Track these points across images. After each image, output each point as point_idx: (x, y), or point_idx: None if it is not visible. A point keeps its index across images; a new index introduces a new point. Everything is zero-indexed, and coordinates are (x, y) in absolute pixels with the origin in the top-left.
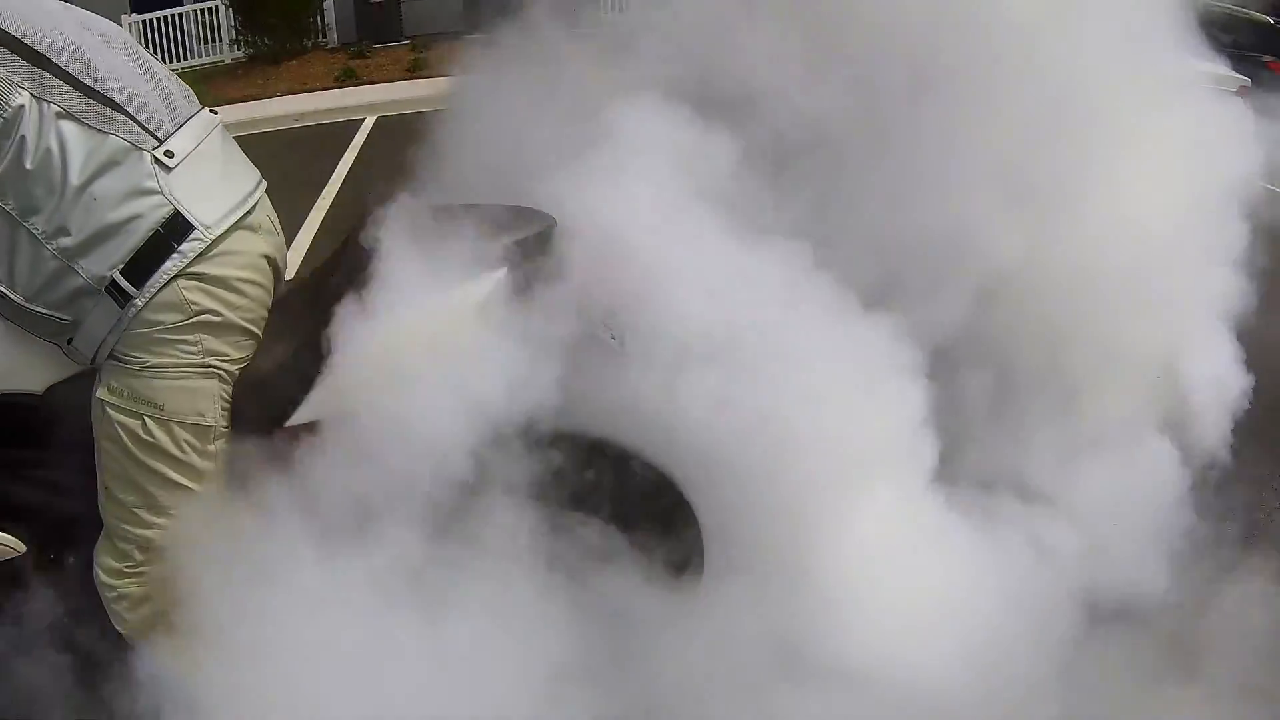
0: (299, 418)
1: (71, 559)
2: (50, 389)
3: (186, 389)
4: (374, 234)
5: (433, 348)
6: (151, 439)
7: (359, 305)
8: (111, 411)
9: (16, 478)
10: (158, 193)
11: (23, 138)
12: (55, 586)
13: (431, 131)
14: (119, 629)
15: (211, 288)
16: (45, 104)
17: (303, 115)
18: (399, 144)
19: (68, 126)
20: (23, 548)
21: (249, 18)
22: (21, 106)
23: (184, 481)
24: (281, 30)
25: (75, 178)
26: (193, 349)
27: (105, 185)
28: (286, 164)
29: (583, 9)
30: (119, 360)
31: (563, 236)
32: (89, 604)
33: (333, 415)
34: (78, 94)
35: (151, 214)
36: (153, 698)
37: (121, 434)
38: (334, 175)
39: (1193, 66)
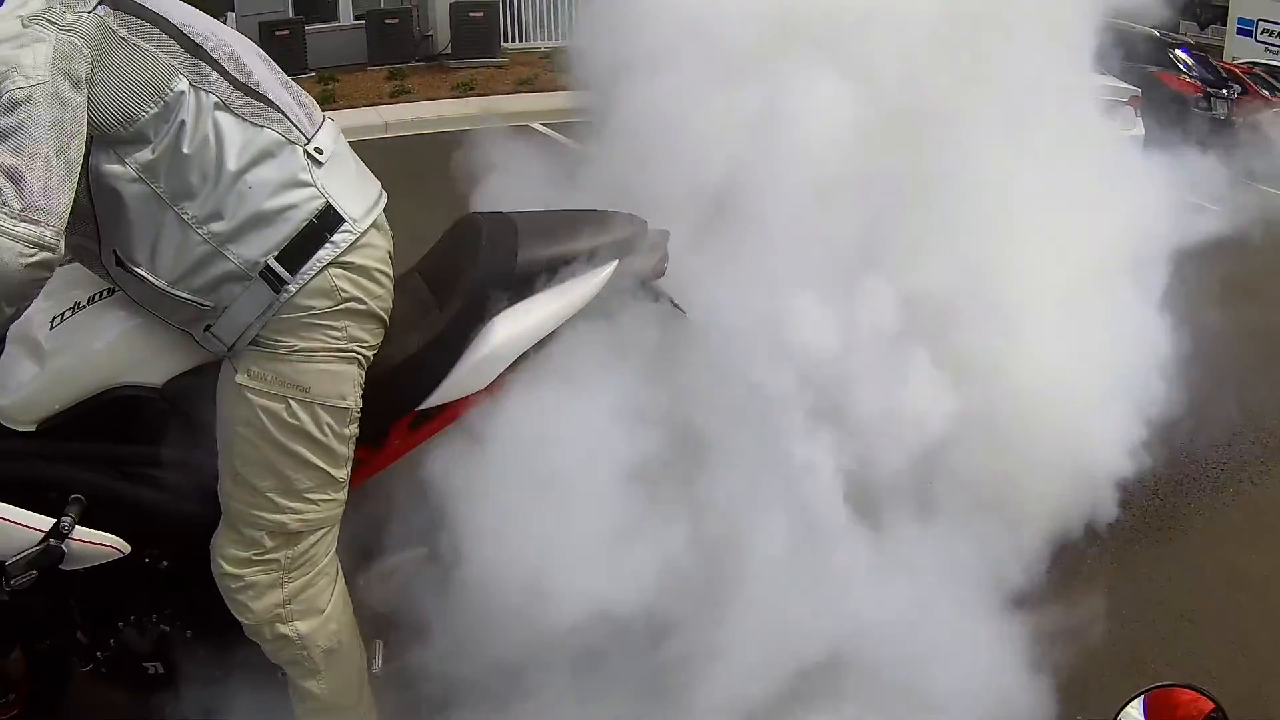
0: (436, 400)
1: (176, 558)
2: (168, 382)
3: (330, 373)
4: (504, 237)
5: (559, 332)
6: (296, 422)
7: (497, 299)
8: (252, 396)
9: (124, 475)
10: (311, 185)
11: (182, 122)
12: (160, 585)
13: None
14: (243, 620)
15: (356, 277)
16: (203, 93)
17: None
18: None
19: (223, 117)
20: (127, 548)
21: None
22: (182, 92)
23: (322, 464)
24: None
25: (231, 165)
26: (338, 334)
27: (260, 175)
28: None
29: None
30: (262, 345)
31: (650, 236)
32: (198, 600)
33: (465, 395)
34: (232, 88)
35: (306, 205)
36: (265, 689)
37: (263, 418)
38: None
39: (1093, 79)
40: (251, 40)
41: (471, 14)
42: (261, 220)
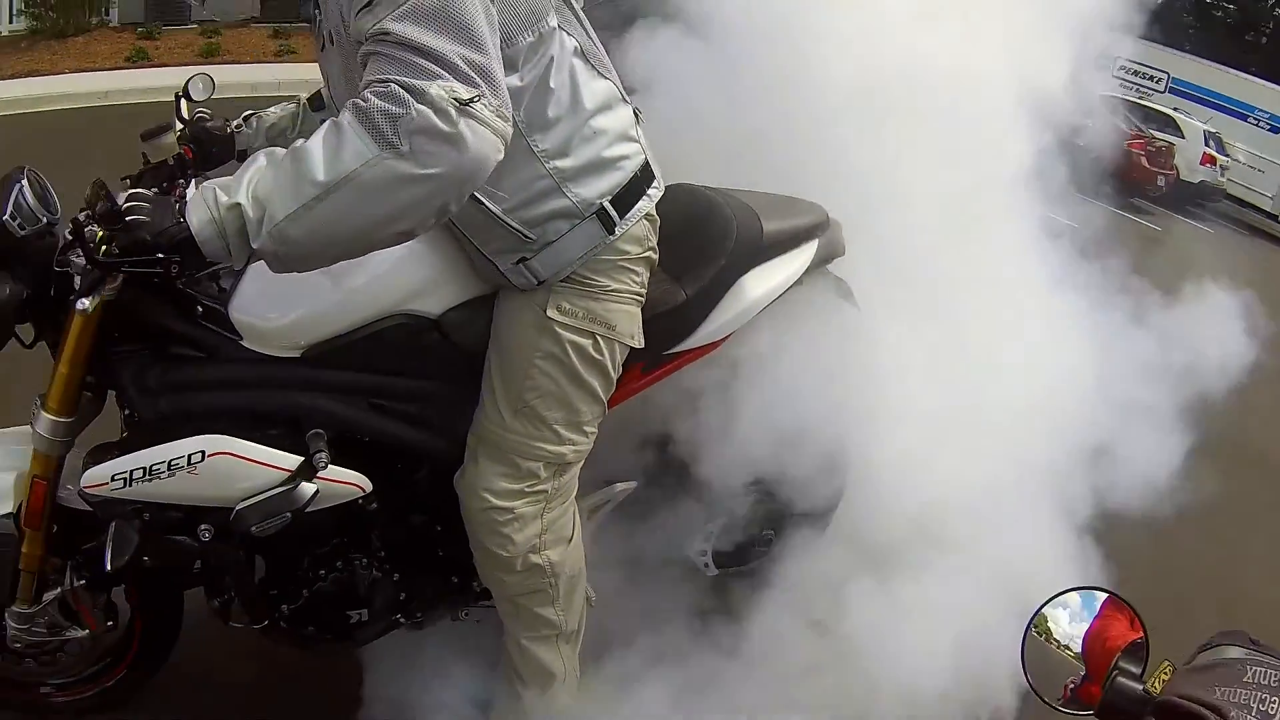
0: (686, 345)
1: (416, 493)
2: (446, 312)
3: (629, 313)
4: (749, 212)
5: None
6: (599, 357)
7: (746, 263)
8: (561, 330)
9: (373, 408)
10: (637, 141)
11: (551, 57)
12: (375, 525)
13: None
14: (501, 552)
15: (653, 230)
16: (566, 35)
17: (108, 94)
18: None
19: (578, 62)
20: (369, 486)
21: None
22: (554, 29)
23: (604, 398)
24: (70, 4)
25: (585, 107)
26: (638, 279)
27: (604, 122)
28: (124, 141)
29: None
30: (576, 283)
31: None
32: (410, 539)
33: (718, 339)
34: (585, 34)
35: (634, 158)
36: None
37: (570, 351)
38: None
39: None
40: None
41: None
42: (602, 165)
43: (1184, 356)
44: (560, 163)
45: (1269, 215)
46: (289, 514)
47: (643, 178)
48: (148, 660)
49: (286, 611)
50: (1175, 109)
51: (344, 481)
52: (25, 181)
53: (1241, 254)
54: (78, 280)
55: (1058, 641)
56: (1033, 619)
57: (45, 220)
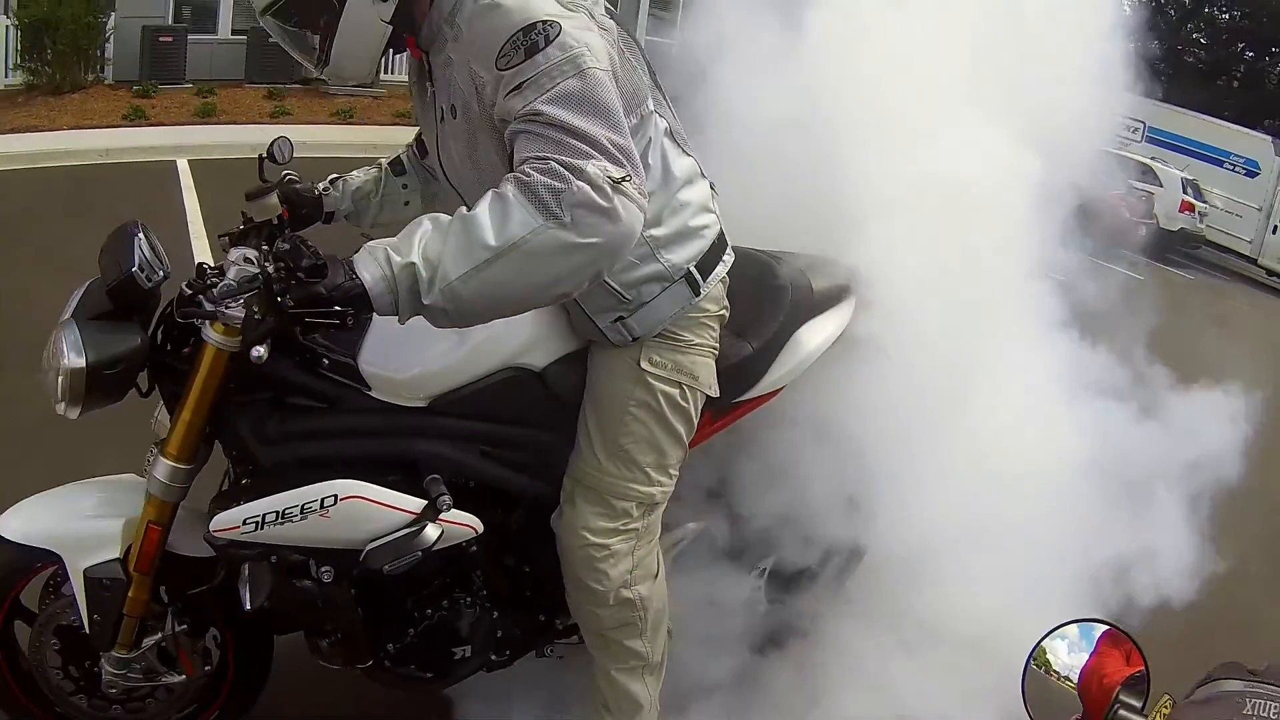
0: (752, 393)
1: (522, 528)
2: (548, 365)
3: (708, 366)
4: (799, 272)
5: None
6: (685, 405)
7: (800, 319)
8: (653, 381)
9: (483, 454)
10: (713, 212)
11: (649, 138)
12: (498, 562)
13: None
14: (597, 586)
15: (725, 291)
16: (659, 117)
17: (107, 152)
18: (238, 186)
19: (667, 142)
20: (481, 528)
21: (36, 42)
22: (652, 112)
23: (686, 443)
24: (68, 60)
25: (673, 182)
26: (714, 334)
27: (689, 195)
28: (123, 199)
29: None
30: (667, 338)
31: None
32: (507, 578)
33: (777, 389)
34: (673, 115)
35: (713, 227)
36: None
37: (660, 400)
38: (188, 214)
39: None
40: (133, 43)
41: None
42: (688, 233)
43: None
44: (654, 231)
45: (1247, 259)
46: (419, 553)
47: (719, 244)
48: (238, 704)
49: (392, 650)
50: (1153, 158)
51: (461, 524)
52: (142, 234)
53: (1218, 298)
54: (205, 328)
55: (1057, 674)
56: (1032, 652)
57: (162, 273)
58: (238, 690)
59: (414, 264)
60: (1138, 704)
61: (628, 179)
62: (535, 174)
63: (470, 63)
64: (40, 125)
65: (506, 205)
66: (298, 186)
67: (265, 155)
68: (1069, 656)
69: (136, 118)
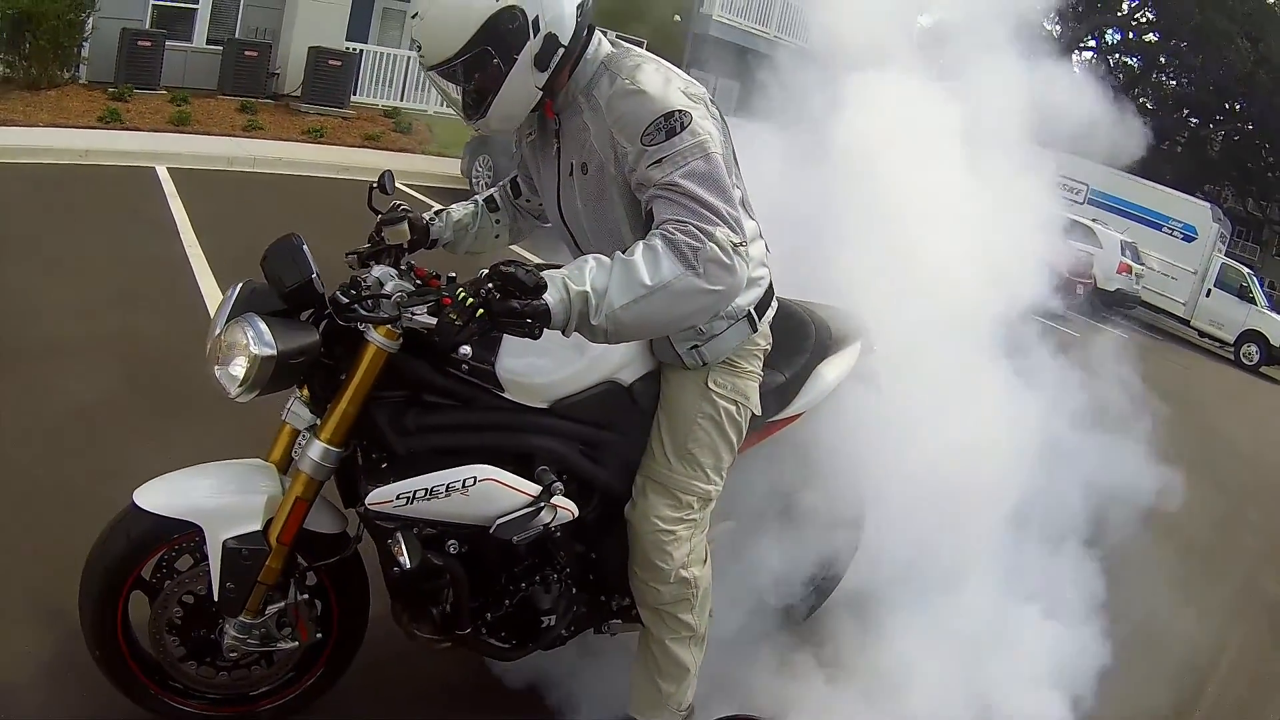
0: (783, 414)
1: (593, 518)
2: (635, 381)
3: (756, 389)
4: (819, 318)
5: (843, 378)
6: (740, 419)
7: (822, 355)
8: (717, 398)
9: (583, 454)
10: (767, 266)
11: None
12: (586, 540)
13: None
14: (663, 565)
15: (769, 330)
16: (737, 188)
17: (86, 153)
18: (220, 197)
19: (741, 208)
20: (577, 511)
21: (15, 38)
22: (733, 183)
23: (737, 449)
24: (46, 56)
25: (746, 239)
26: (760, 362)
27: (752, 251)
28: (111, 202)
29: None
30: (730, 365)
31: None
32: (588, 559)
33: (800, 413)
34: (744, 186)
35: (766, 278)
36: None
37: (721, 414)
38: (178, 223)
39: None
40: (110, 45)
41: (330, 61)
42: (751, 282)
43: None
44: None
45: (1180, 320)
46: (541, 528)
47: (770, 291)
48: (334, 670)
49: (489, 619)
50: (1094, 219)
51: (565, 508)
52: (305, 246)
53: (1148, 354)
54: (369, 331)
55: None
56: None
57: (318, 278)
58: (335, 657)
59: (587, 291)
60: None
61: (742, 244)
62: (678, 233)
63: (613, 133)
64: (17, 120)
65: (656, 255)
66: (411, 216)
67: (376, 185)
68: None
69: (112, 120)
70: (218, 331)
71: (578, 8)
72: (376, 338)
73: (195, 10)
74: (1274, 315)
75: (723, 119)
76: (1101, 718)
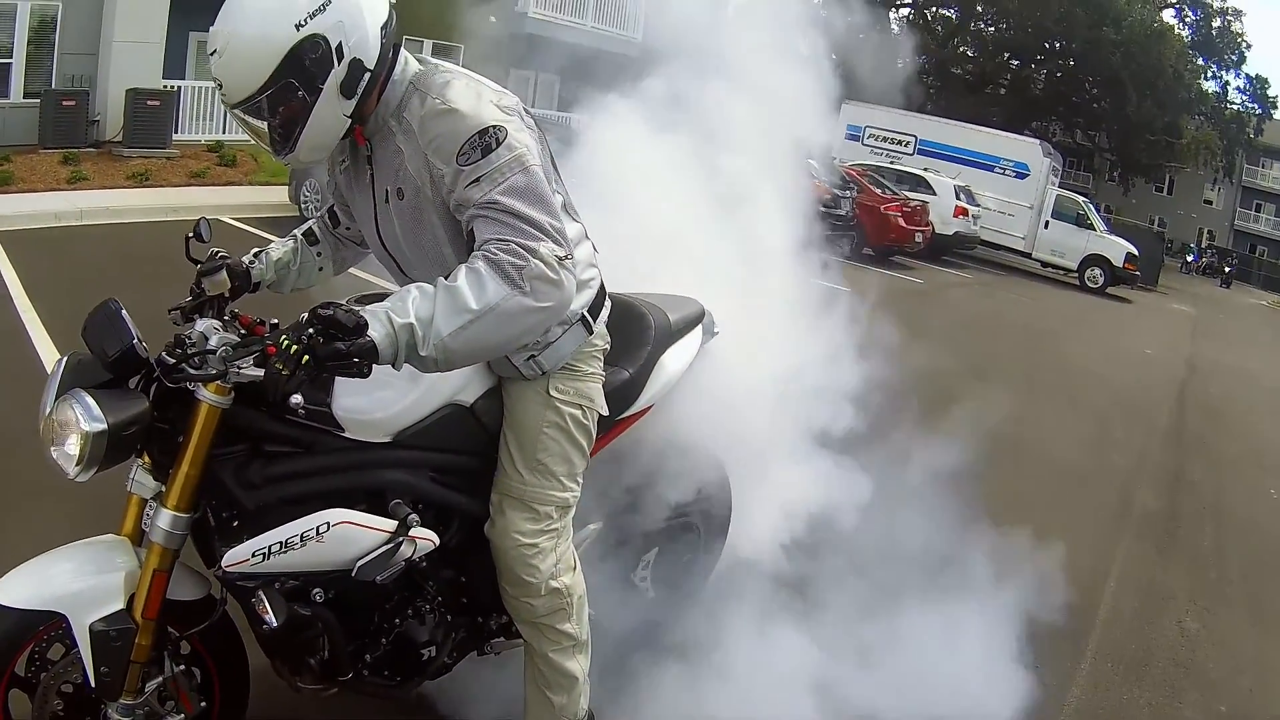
0: (632, 409)
1: (456, 543)
2: (476, 400)
3: (599, 390)
4: (659, 310)
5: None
6: (586, 423)
7: (663, 347)
8: (561, 405)
9: (435, 481)
10: (596, 266)
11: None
12: (453, 564)
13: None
14: (530, 579)
15: (607, 329)
16: (557, 194)
17: None
18: (52, 256)
19: (563, 213)
20: (438, 540)
21: None
22: (555, 190)
23: (588, 453)
24: None
25: (571, 243)
26: (600, 363)
27: (580, 253)
28: None
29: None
30: (569, 370)
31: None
32: (459, 584)
33: (649, 406)
34: (565, 190)
35: (597, 278)
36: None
37: (567, 420)
38: (10, 289)
39: None
40: None
41: (149, 102)
42: (581, 285)
43: None
44: None
45: (1021, 254)
46: (403, 564)
47: (602, 290)
48: None
49: (369, 660)
50: (925, 169)
51: (425, 538)
52: (124, 310)
53: (994, 290)
54: (200, 389)
55: None
56: None
57: (140, 342)
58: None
59: (411, 323)
60: None
61: (568, 257)
62: (501, 253)
63: (428, 155)
64: None
65: (480, 278)
66: (230, 262)
67: (192, 234)
68: None
69: None
70: (48, 411)
71: (381, 29)
72: (208, 395)
73: (10, 64)
74: (1114, 238)
75: (539, 126)
76: (1006, 637)
